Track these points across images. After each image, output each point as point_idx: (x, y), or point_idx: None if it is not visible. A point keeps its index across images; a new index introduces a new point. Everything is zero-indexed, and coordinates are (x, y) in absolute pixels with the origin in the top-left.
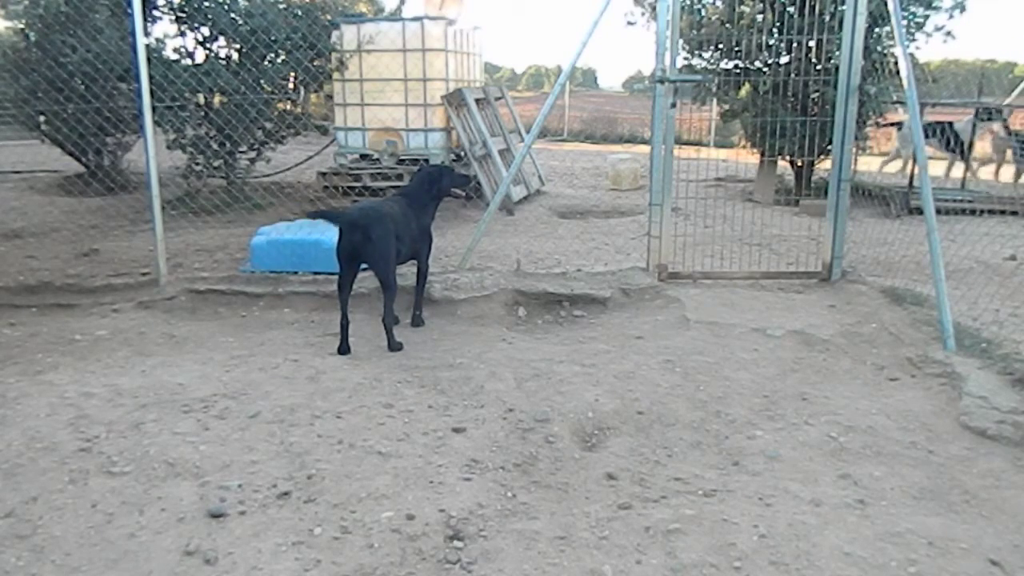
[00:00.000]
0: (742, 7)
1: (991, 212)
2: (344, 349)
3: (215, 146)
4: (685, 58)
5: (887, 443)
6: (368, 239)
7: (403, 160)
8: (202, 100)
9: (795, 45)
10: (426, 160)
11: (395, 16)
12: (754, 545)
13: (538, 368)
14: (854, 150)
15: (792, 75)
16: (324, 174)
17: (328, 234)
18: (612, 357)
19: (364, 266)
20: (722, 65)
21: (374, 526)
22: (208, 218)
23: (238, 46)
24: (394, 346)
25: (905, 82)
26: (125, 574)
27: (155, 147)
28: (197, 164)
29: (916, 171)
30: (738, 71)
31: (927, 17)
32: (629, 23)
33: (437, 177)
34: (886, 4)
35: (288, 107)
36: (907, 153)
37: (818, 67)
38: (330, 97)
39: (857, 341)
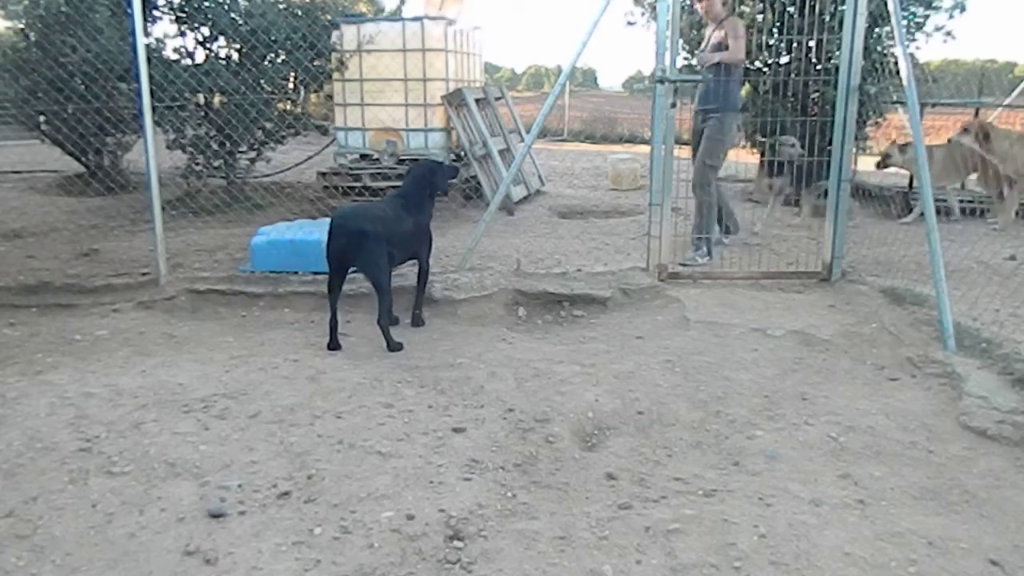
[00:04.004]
0: (742, 7)
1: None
2: (334, 345)
3: (215, 146)
4: (685, 58)
5: (887, 443)
6: (355, 244)
7: (403, 160)
8: (202, 100)
9: (795, 45)
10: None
11: (395, 16)
12: (754, 545)
13: (538, 368)
14: (854, 150)
15: (792, 75)
16: (324, 174)
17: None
18: (612, 357)
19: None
20: None
21: (374, 526)
22: (208, 218)
23: (238, 46)
24: (393, 346)
25: (905, 82)
26: (125, 574)
27: (155, 147)
28: (197, 164)
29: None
30: None
31: (927, 17)
32: (629, 23)
33: (430, 175)
34: (886, 4)
35: (288, 107)
36: None
37: (818, 67)
38: (330, 97)
39: (857, 341)
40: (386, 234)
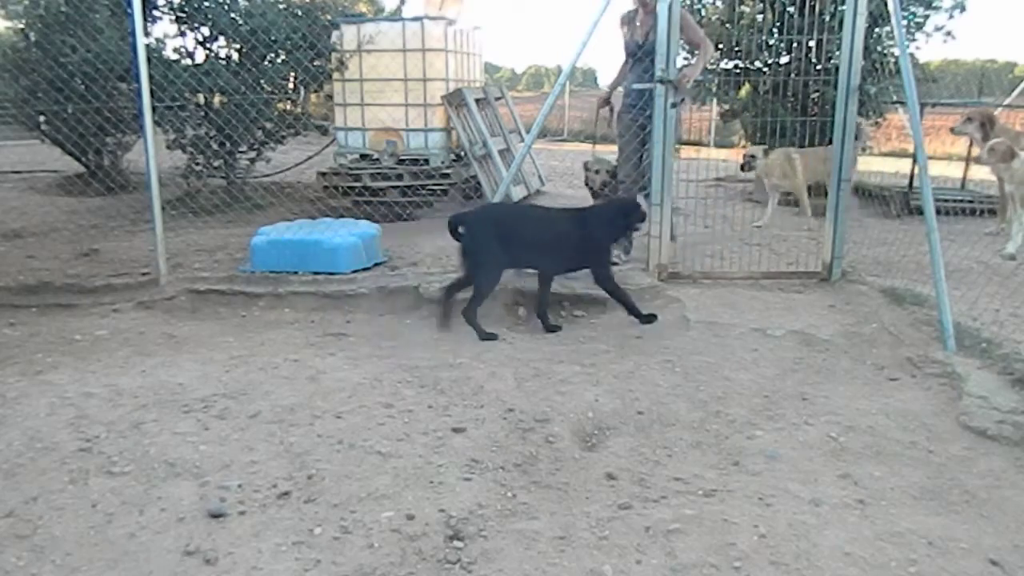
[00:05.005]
0: (742, 7)
1: (991, 212)
2: (444, 326)
3: (215, 146)
4: (685, 58)
5: (887, 443)
6: (468, 240)
7: (403, 160)
8: (202, 100)
9: (795, 45)
10: (426, 161)
11: (395, 16)
12: (754, 545)
13: (538, 368)
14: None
15: (792, 75)
16: (324, 174)
17: (328, 234)
18: (612, 357)
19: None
20: (722, 65)
21: (374, 526)
22: (208, 218)
23: (238, 46)
24: (483, 335)
25: (905, 82)
26: (125, 574)
27: (155, 147)
28: (197, 164)
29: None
30: (738, 71)
31: (927, 17)
32: None
33: (628, 212)
34: (886, 4)
35: (288, 107)
36: None
37: (818, 67)
38: (330, 97)
39: (857, 341)
40: (509, 236)
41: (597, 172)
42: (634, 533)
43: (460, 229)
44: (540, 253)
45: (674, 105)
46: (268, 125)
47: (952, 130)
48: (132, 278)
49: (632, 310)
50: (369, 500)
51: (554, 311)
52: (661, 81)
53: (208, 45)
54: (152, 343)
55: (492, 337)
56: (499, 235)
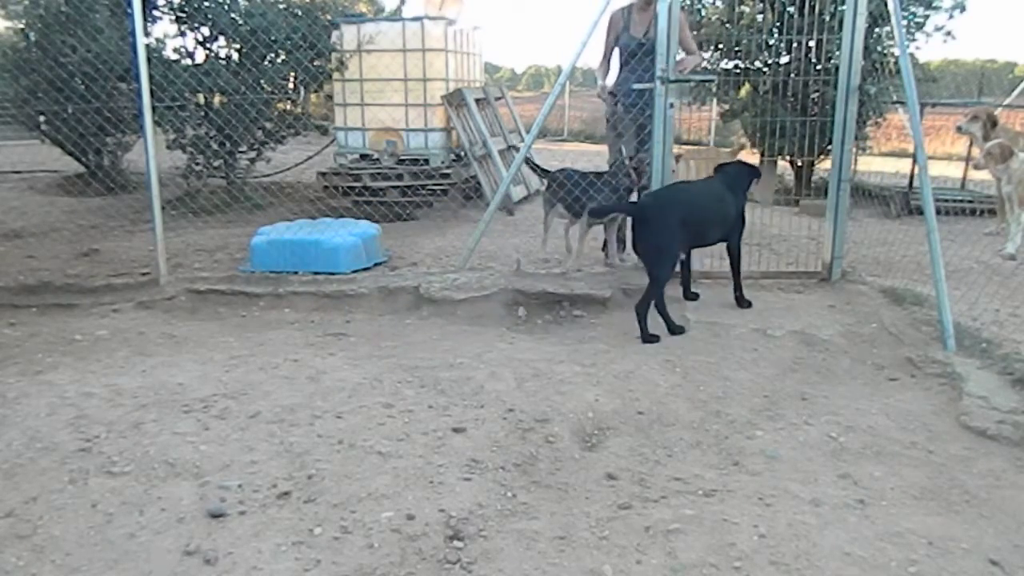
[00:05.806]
0: (742, 7)
1: (991, 212)
2: (648, 338)
3: (215, 146)
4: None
5: (887, 443)
6: (643, 229)
7: (403, 160)
8: (202, 100)
9: (795, 45)
10: (426, 161)
11: (395, 16)
12: (754, 545)
13: (538, 368)
14: (854, 150)
15: (792, 75)
16: (324, 174)
17: (328, 234)
18: (612, 357)
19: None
20: (722, 65)
21: (374, 526)
22: (208, 218)
23: (238, 46)
24: (673, 329)
25: (905, 82)
26: (125, 574)
27: (155, 147)
28: (197, 164)
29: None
30: (738, 71)
31: (927, 17)
32: None
33: (751, 172)
34: (886, 4)
35: (288, 107)
36: None
37: (818, 67)
38: (330, 97)
39: (857, 341)
40: (685, 219)
41: (649, 164)
42: (634, 533)
43: (639, 220)
44: (711, 227)
45: (672, 105)
46: (268, 125)
47: (958, 128)
48: (132, 278)
49: (740, 274)
50: (369, 500)
51: (554, 311)
52: (661, 81)
53: (208, 45)
54: (152, 343)
55: (680, 330)
56: (681, 220)
